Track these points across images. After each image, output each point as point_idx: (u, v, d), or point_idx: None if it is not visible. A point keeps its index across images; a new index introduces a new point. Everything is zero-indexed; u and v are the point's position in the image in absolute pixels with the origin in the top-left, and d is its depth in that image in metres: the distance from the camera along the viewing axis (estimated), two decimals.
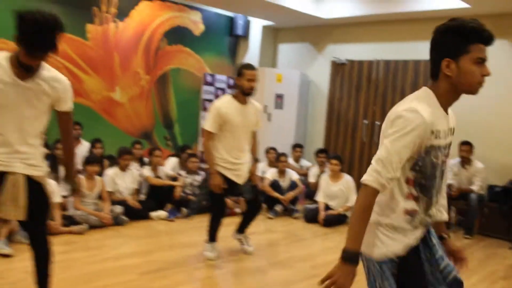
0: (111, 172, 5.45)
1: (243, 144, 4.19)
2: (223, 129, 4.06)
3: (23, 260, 3.89)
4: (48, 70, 2.55)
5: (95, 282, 3.58)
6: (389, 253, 1.84)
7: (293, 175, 6.55)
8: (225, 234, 4.84)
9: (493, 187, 6.23)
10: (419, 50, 7.13)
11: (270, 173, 6.51)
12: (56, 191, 4.71)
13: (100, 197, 5.23)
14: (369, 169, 1.75)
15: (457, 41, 1.78)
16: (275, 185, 6.35)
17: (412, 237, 1.87)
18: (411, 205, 1.85)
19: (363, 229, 1.75)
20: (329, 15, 7.59)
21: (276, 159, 6.64)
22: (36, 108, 2.56)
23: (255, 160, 4.42)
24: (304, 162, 7.53)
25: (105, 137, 6.49)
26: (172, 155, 6.85)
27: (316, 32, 8.37)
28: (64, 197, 5.17)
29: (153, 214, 5.55)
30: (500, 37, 6.48)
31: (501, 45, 6.52)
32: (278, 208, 6.24)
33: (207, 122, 4.05)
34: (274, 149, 7.09)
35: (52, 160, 5.07)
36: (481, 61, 1.78)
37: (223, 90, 8.73)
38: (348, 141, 7.89)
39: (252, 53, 8.83)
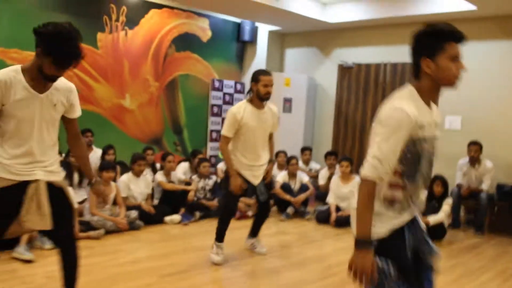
0: (125, 177, 5.54)
1: (260, 147, 4.29)
2: (240, 133, 4.16)
3: (44, 265, 4.00)
4: (58, 80, 2.61)
5: (117, 285, 3.66)
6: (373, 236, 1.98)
7: (304, 178, 6.62)
8: (240, 236, 4.93)
9: (502, 186, 6.28)
10: None
11: (281, 176, 6.59)
12: (73, 197, 4.79)
13: (114, 203, 5.32)
14: (367, 165, 1.93)
15: (433, 42, 2.00)
16: (286, 187, 6.42)
17: (396, 222, 2.03)
18: (394, 194, 2.02)
19: (370, 217, 1.94)
20: (335, 19, 7.69)
21: (287, 162, 6.72)
22: (53, 118, 2.64)
23: (271, 161, 4.51)
24: (313, 165, 7.60)
25: (115, 144, 6.57)
26: (183, 160, 6.94)
27: (322, 36, 8.46)
28: (80, 203, 5.27)
29: (167, 218, 5.63)
30: (507, 39, 6.56)
31: (507, 46, 6.60)
32: (290, 210, 6.31)
33: (224, 127, 4.15)
34: (284, 152, 7.17)
35: (67, 168, 5.16)
36: (456, 57, 2.00)
37: (231, 95, 8.83)
38: (356, 144, 7.96)
39: (259, 58, 8.93)
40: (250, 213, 6.11)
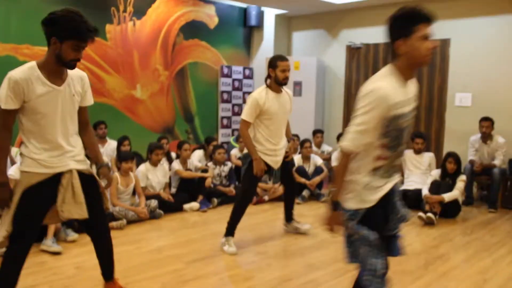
0: (143, 167, 5.63)
1: (282, 130, 4.40)
2: (263, 118, 4.22)
3: (72, 257, 4.12)
4: (72, 70, 2.70)
5: (147, 273, 3.77)
6: (352, 206, 2.26)
7: (318, 160, 6.70)
8: (257, 221, 5.03)
9: None
10: (434, 29, 7.19)
11: (295, 160, 6.65)
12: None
13: (134, 193, 5.42)
14: (348, 137, 2.18)
15: (405, 24, 2.19)
16: (300, 170, 6.49)
17: (381, 192, 2.27)
18: (378, 163, 2.25)
19: (343, 184, 2.26)
20: (342, 0, 7.66)
21: (300, 145, 6.78)
22: (74, 108, 2.74)
23: (289, 141, 4.61)
24: (326, 147, 7.66)
25: (128, 135, 6.62)
26: (197, 148, 7.02)
27: (329, 18, 8.45)
28: None
29: (186, 206, 5.74)
30: None
31: None
32: (306, 193, 6.39)
33: (245, 112, 4.22)
34: (296, 136, 7.22)
35: None
36: (427, 37, 2.18)
37: (240, 81, 8.86)
38: None
39: (266, 42, 8.93)
40: (266, 197, 6.20)
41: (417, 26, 2.18)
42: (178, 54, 8.04)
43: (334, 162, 6.93)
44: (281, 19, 8.94)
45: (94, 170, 2.98)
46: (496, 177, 6.07)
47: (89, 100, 2.86)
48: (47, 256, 4.09)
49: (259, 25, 8.90)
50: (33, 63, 2.60)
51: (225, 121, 8.71)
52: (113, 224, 4.92)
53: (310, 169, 6.63)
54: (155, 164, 5.66)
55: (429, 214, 5.32)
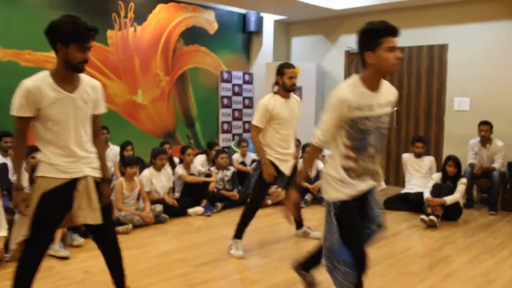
0: (147, 172, 5.66)
1: (291, 135, 4.46)
2: (273, 123, 4.28)
3: (80, 261, 4.15)
4: (85, 78, 2.76)
5: (155, 277, 3.81)
6: (334, 198, 2.56)
7: (320, 165, 6.74)
8: (262, 225, 5.07)
9: None
10: (432, 35, 7.30)
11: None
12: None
13: (138, 198, 5.45)
14: (314, 135, 2.59)
15: (373, 37, 2.41)
16: None
17: (354, 189, 2.55)
18: (348, 163, 2.53)
19: (307, 172, 2.84)
20: (341, 6, 7.75)
21: (302, 150, 6.83)
22: (86, 115, 2.77)
23: (296, 146, 4.69)
24: (327, 151, 7.69)
25: (130, 140, 6.66)
26: (200, 153, 7.06)
27: (328, 23, 8.53)
28: None
29: (190, 210, 5.77)
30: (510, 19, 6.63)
31: None
32: (308, 197, 6.44)
33: (255, 118, 4.28)
34: (298, 141, 7.27)
35: None
36: (392, 48, 2.40)
37: (239, 86, 8.92)
38: None
39: (265, 48, 9.01)
40: (269, 201, 6.24)
41: (384, 38, 2.39)
42: (178, 59, 8.09)
43: None
44: (280, 25, 9.01)
45: None
46: (496, 180, 6.15)
47: (102, 108, 2.89)
48: (54, 261, 4.11)
49: (258, 31, 8.98)
50: (46, 72, 2.65)
51: (225, 126, 8.76)
52: (119, 229, 4.94)
53: (312, 173, 6.68)
54: (159, 169, 5.69)
55: (432, 217, 5.39)
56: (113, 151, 6.54)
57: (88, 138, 2.81)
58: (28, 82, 2.58)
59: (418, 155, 6.41)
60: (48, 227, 2.71)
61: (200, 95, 8.43)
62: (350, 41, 8.25)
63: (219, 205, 5.98)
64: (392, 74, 2.55)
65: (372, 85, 2.47)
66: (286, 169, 4.41)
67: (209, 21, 8.50)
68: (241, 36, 9.07)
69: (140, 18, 7.53)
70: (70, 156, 2.70)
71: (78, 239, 4.53)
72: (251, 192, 4.44)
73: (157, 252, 4.45)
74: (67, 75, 2.65)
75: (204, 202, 5.92)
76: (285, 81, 4.26)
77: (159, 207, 5.38)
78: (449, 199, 5.51)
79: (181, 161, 6.26)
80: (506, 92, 6.69)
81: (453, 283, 3.79)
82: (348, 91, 2.45)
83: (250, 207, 4.40)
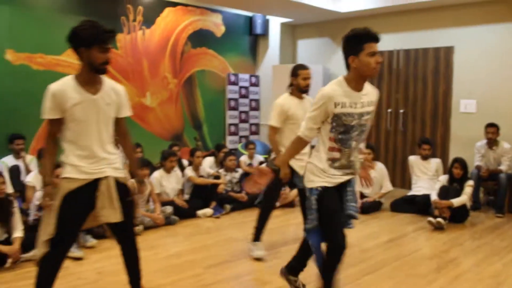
0: (157, 174, 5.73)
1: None
2: (288, 123, 4.33)
3: (93, 262, 4.22)
4: (107, 82, 2.88)
5: (169, 277, 3.87)
6: (316, 185, 2.82)
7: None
8: (271, 226, 5.11)
9: None
10: (438, 37, 7.34)
11: None
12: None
13: (148, 199, 5.52)
14: (302, 126, 2.83)
15: (355, 44, 2.66)
16: None
17: (334, 179, 2.82)
18: (332, 155, 2.80)
19: (290, 159, 3.19)
20: (347, 8, 7.80)
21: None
22: (108, 116, 2.87)
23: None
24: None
25: (139, 142, 6.74)
26: (208, 155, 7.12)
27: (334, 26, 8.58)
28: None
29: (200, 212, 5.83)
30: None
31: None
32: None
33: (272, 118, 4.32)
34: None
35: None
36: (373, 53, 2.64)
37: (246, 88, 8.98)
38: (372, 131, 8.12)
39: (272, 50, 9.07)
40: (277, 203, 6.28)
41: (366, 44, 2.63)
42: (186, 62, 8.17)
43: None
44: (286, 27, 9.07)
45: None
46: (502, 182, 6.18)
47: (126, 112, 2.99)
48: (69, 261, 4.16)
49: (265, 33, 9.04)
50: (70, 76, 2.79)
51: (232, 128, 8.82)
52: None
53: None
54: (168, 171, 5.76)
55: (439, 219, 5.43)
56: (122, 153, 6.58)
57: (110, 139, 2.90)
58: (53, 86, 2.73)
59: (424, 157, 6.45)
60: (71, 227, 2.79)
61: (208, 98, 8.50)
62: None
63: (228, 207, 6.04)
64: (373, 77, 2.76)
65: (356, 86, 2.73)
66: (300, 169, 4.46)
67: (216, 24, 8.57)
68: (248, 38, 9.14)
69: (149, 21, 7.61)
70: (91, 157, 2.79)
71: (91, 240, 4.60)
72: (265, 193, 4.48)
73: (168, 253, 4.51)
74: (90, 78, 2.77)
75: (213, 204, 5.98)
76: (299, 82, 4.32)
77: (169, 209, 5.45)
78: (456, 201, 5.55)
79: (190, 163, 6.32)
80: None
81: (462, 285, 3.83)
82: (334, 89, 2.71)
83: (264, 207, 4.45)
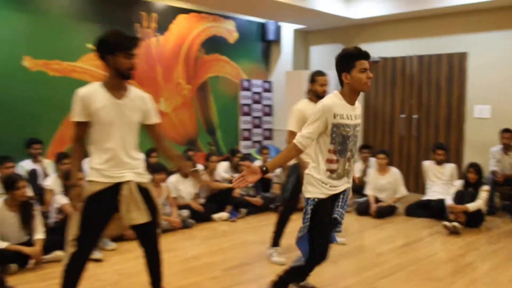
0: (174, 179, 5.78)
1: None
2: None
3: (113, 264, 4.27)
4: (133, 89, 2.96)
5: (187, 279, 3.91)
6: (312, 196, 2.95)
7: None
8: (289, 229, 5.12)
9: None
10: (452, 43, 7.36)
11: None
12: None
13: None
14: (299, 136, 2.90)
15: (347, 61, 2.87)
16: None
17: (331, 190, 2.95)
18: (331, 166, 2.93)
19: (281, 164, 3.23)
20: (359, 15, 7.84)
21: None
22: (133, 122, 2.94)
23: None
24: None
25: (153, 147, 6.78)
26: (223, 159, 7.17)
27: (347, 32, 8.63)
28: None
29: (216, 216, 5.88)
30: None
31: None
32: None
33: (291, 124, 4.35)
34: None
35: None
36: (364, 70, 2.85)
37: (259, 94, 9.04)
38: (386, 136, 8.14)
39: (284, 56, 9.13)
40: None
41: (357, 61, 2.84)
42: (199, 68, 8.24)
43: (356, 173, 7.05)
44: (299, 34, 9.13)
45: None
46: None
47: (154, 118, 3.07)
48: (89, 263, 4.22)
49: (277, 40, 9.10)
50: (98, 82, 2.89)
51: (245, 134, 8.87)
52: None
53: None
54: (185, 175, 5.81)
55: (455, 223, 5.42)
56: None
57: (134, 145, 2.96)
58: (81, 90, 2.83)
59: (439, 162, 6.45)
60: (93, 229, 2.84)
61: (221, 103, 8.56)
62: (369, 50, 8.21)
63: (243, 211, 6.08)
64: (365, 91, 2.95)
65: (350, 99, 2.93)
66: None
67: (229, 31, 8.65)
68: (261, 45, 9.21)
69: (162, 28, 7.70)
70: (114, 159, 2.85)
71: (110, 244, 4.66)
72: (287, 198, 4.51)
73: (186, 256, 4.56)
74: (116, 83, 2.86)
75: (229, 208, 6.02)
76: (316, 88, 4.38)
77: (186, 212, 5.51)
78: (471, 206, 5.55)
79: (205, 168, 6.37)
80: None
81: None
82: (334, 101, 2.87)
83: (283, 212, 4.48)
